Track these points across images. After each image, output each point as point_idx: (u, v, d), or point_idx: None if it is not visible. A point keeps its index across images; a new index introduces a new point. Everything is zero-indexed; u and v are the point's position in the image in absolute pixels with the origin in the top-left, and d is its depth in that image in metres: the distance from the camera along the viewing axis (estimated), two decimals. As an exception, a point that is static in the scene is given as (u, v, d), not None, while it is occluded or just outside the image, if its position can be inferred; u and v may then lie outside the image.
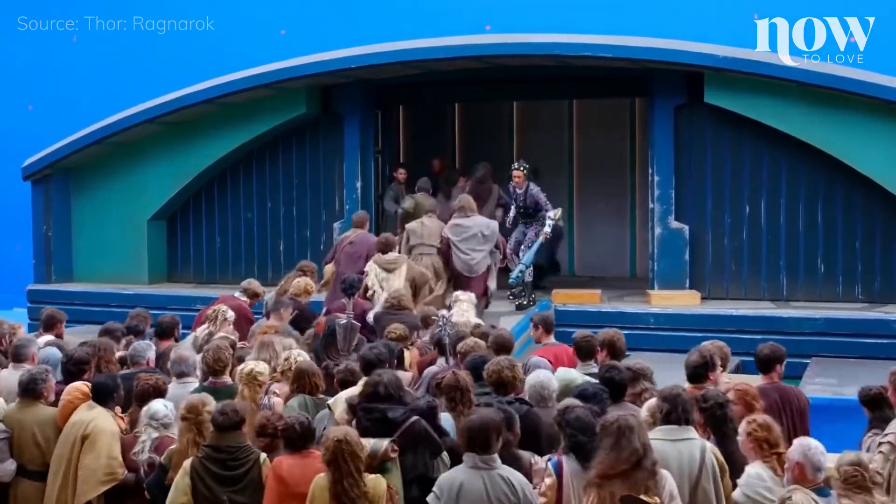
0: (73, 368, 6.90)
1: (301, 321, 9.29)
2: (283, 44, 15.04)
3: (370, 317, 9.73)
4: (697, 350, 6.80)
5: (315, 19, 15.37)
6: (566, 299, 12.49)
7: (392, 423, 5.62)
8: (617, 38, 12.32)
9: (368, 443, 5.41)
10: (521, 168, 11.97)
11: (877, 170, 11.67)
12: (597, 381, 6.49)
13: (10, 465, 6.38)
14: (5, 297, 15.63)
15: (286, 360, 6.98)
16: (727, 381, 6.76)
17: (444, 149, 16.31)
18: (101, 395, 6.37)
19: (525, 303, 11.99)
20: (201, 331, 8.60)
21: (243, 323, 9.28)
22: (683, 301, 12.20)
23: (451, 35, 13.07)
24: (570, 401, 5.85)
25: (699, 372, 6.61)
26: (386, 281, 10.40)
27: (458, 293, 9.87)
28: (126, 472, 6.20)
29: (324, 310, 10.23)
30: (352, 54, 13.09)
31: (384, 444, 5.43)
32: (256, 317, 10.00)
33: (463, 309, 9.40)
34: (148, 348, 7.54)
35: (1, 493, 6.45)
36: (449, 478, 5.12)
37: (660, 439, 5.24)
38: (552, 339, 8.37)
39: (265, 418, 5.81)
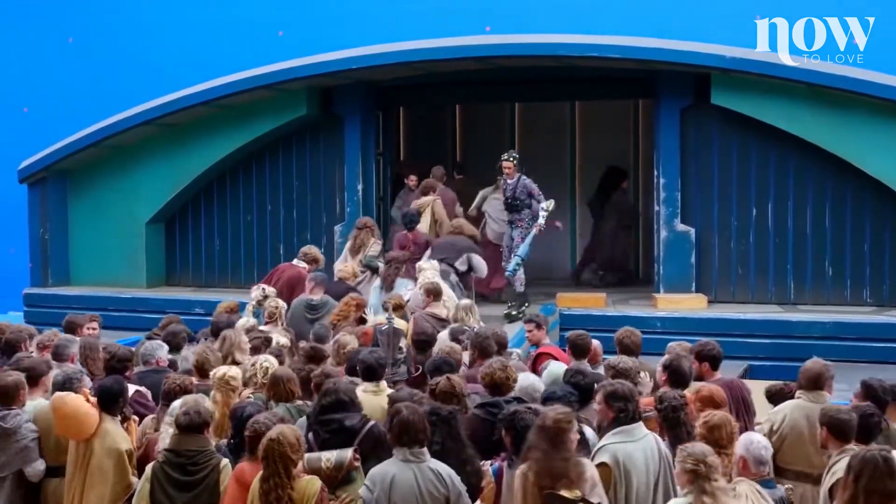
0: (117, 365, 7.08)
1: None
2: (282, 45, 14.88)
3: None
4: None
5: (314, 20, 15.22)
6: (571, 303, 12.33)
7: (350, 430, 5.73)
8: (623, 39, 12.17)
9: (332, 455, 5.50)
10: (511, 159, 11.85)
11: (885, 172, 11.56)
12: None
13: (40, 465, 6.37)
14: (1, 301, 15.48)
15: (253, 365, 6.91)
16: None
17: (444, 150, 16.16)
18: (107, 401, 6.16)
19: (515, 313, 11.55)
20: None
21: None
22: (690, 305, 12.07)
23: (450, 36, 12.93)
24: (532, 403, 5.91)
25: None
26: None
27: (422, 262, 10.26)
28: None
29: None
30: (353, 55, 12.94)
31: (348, 454, 5.52)
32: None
33: (427, 277, 9.74)
34: (159, 348, 7.64)
35: (33, 492, 6.44)
36: (381, 471, 5.21)
37: (625, 442, 5.30)
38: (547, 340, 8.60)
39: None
